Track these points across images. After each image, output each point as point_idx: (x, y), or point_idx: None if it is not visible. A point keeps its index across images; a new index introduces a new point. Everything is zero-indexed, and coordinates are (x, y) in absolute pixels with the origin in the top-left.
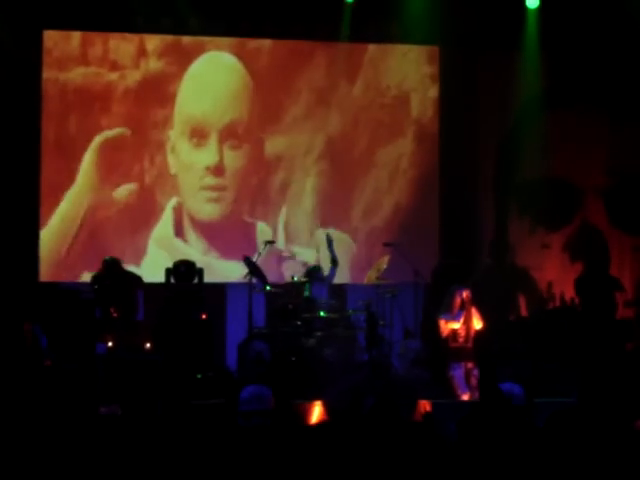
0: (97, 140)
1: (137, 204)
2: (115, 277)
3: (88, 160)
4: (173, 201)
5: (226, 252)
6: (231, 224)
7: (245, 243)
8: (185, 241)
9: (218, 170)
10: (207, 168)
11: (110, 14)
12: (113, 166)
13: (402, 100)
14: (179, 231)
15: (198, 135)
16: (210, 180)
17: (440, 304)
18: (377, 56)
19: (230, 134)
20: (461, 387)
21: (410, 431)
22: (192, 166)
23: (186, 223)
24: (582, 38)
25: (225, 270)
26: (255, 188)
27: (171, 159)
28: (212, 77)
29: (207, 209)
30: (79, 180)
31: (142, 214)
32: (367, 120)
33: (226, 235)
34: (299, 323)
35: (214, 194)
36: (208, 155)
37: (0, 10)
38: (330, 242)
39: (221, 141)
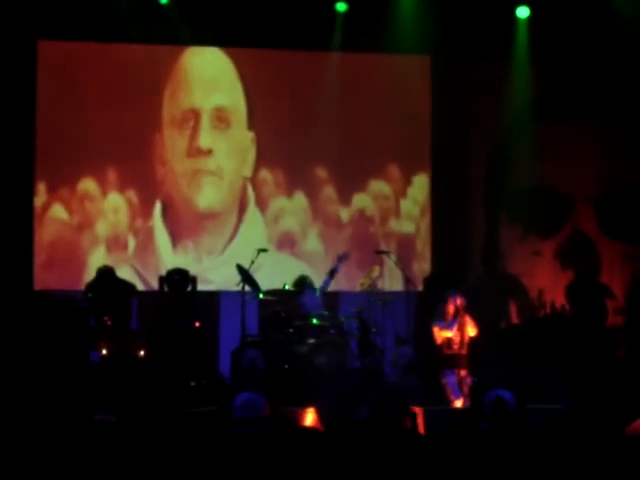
0: None
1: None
2: (109, 285)
3: None
4: (158, 207)
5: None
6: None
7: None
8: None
9: (209, 153)
10: (199, 151)
11: (102, 25)
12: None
13: (393, 109)
14: (175, 237)
15: (188, 120)
16: (202, 164)
17: (434, 311)
18: (368, 65)
19: (219, 118)
20: (454, 394)
21: (405, 439)
22: (183, 152)
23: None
24: (572, 48)
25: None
26: (247, 180)
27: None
28: (198, 66)
29: (203, 193)
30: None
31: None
32: (358, 127)
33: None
34: (291, 330)
35: (208, 178)
36: (197, 138)
37: None
38: (345, 259)
39: (211, 124)
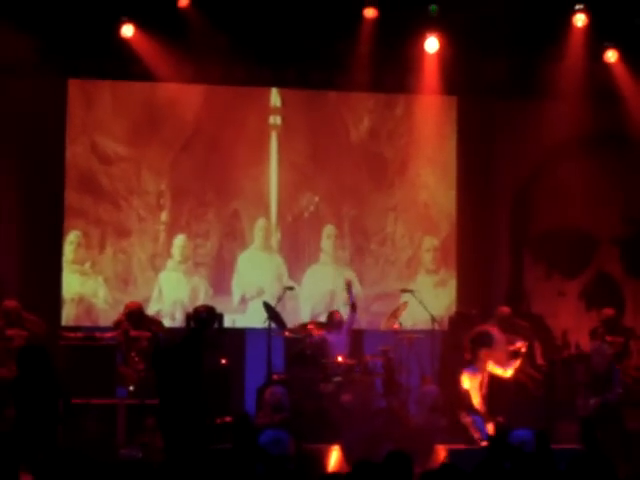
0: None
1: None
2: (136, 322)
3: None
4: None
5: None
6: None
7: None
8: None
9: None
10: None
11: (136, 64)
12: None
13: (419, 148)
14: None
15: None
16: None
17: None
18: (395, 105)
19: None
20: (479, 433)
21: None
22: None
23: None
24: (598, 87)
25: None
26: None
27: None
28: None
29: None
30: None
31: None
32: (388, 165)
33: None
34: (317, 368)
35: None
36: None
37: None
38: (349, 286)
39: None
